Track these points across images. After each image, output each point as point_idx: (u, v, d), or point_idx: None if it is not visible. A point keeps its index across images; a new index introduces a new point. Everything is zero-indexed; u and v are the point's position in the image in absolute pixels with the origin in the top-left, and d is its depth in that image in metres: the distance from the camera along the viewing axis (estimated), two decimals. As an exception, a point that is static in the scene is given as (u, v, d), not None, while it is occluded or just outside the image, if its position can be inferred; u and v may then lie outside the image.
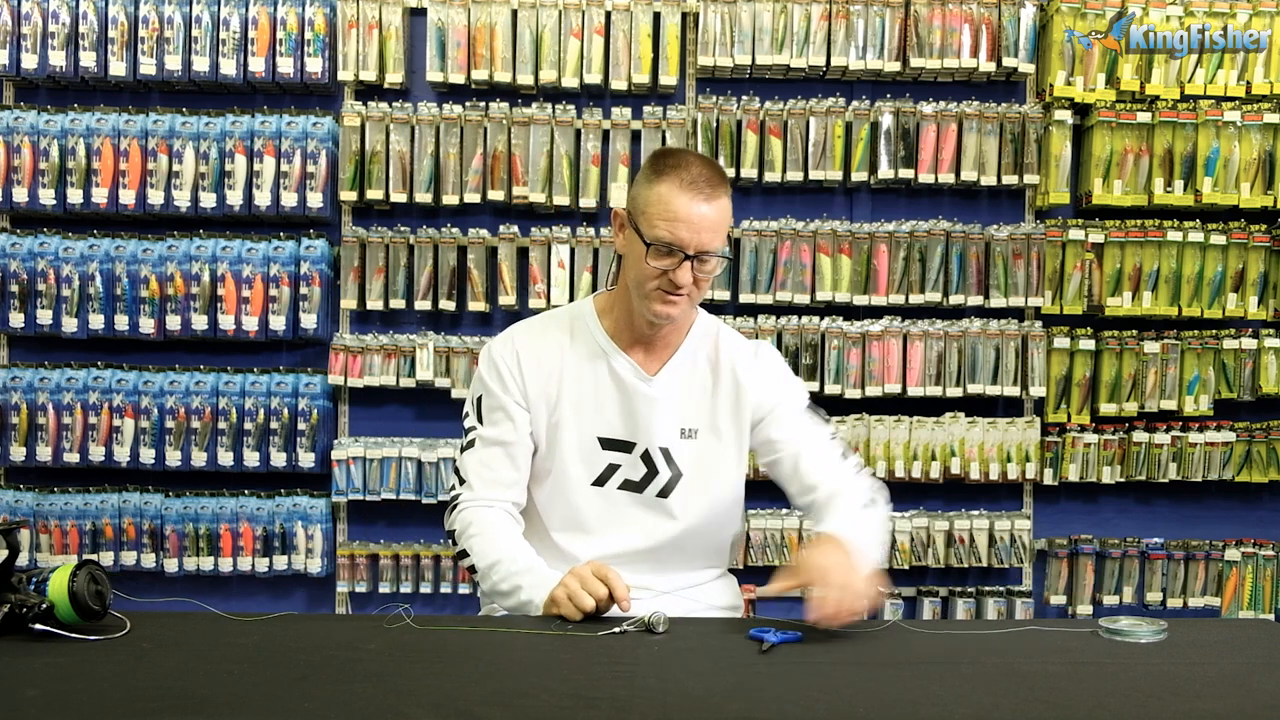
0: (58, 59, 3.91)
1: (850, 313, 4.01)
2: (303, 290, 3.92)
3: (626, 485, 2.20)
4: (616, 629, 1.89)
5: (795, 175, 3.95)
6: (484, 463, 2.19)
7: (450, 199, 3.94)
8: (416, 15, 4.03)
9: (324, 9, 3.94)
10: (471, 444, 2.21)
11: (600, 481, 2.20)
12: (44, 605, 1.78)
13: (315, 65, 3.93)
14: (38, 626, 1.78)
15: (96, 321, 3.92)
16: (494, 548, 2.10)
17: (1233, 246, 4.00)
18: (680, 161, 2.10)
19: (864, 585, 1.94)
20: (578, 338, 2.23)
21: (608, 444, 2.20)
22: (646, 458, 2.20)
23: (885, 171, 3.95)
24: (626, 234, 2.16)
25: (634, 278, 2.14)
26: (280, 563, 3.94)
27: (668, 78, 3.95)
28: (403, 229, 3.97)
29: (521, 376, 2.20)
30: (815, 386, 3.94)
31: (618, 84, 3.94)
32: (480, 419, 2.21)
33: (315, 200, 3.92)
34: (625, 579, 2.02)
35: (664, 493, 2.20)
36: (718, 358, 2.25)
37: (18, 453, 3.91)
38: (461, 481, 2.20)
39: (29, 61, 3.91)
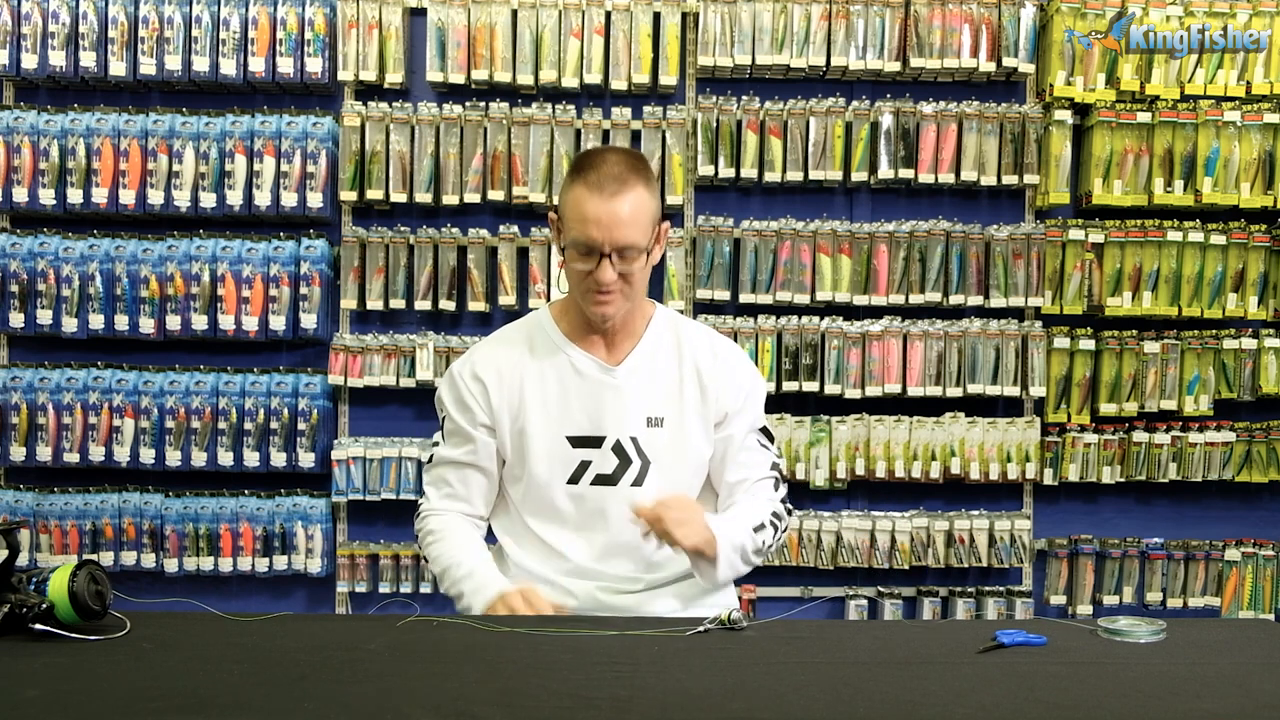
0: (58, 59, 3.90)
1: (850, 313, 4.01)
2: (303, 290, 3.92)
3: (600, 480, 2.21)
4: (700, 629, 1.88)
5: (795, 175, 3.95)
6: (441, 479, 2.29)
7: (450, 199, 3.94)
8: (416, 15, 4.03)
9: (324, 9, 3.94)
10: (431, 459, 2.31)
11: (575, 479, 2.21)
12: (44, 605, 1.78)
13: (315, 65, 3.93)
14: (38, 626, 1.78)
15: (96, 321, 3.92)
16: (445, 553, 2.22)
17: (1233, 246, 4.00)
18: (592, 161, 2.13)
19: (698, 526, 2.05)
20: (536, 343, 2.26)
21: (577, 442, 2.21)
22: (618, 449, 2.21)
23: (885, 171, 3.95)
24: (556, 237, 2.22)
25: (568, 279, 2.20)
26: (280, 563, 3.94)
27: (668, 78, 3.95)
28: (403, 229, 3.97)
29: (485, 395, 2.23)
30: (815, 386, 3.94)
31: (618, 84, 3.94)
32: (443, 437, 2.30)
33: (315, 200, 3.92)
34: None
35: (638, 482, 2.21)
36: (680, 349, 2.27)
37: (18, 453, 3.91)
38: (423, 493, 2.32)
39: (29, 61, 3.91)
